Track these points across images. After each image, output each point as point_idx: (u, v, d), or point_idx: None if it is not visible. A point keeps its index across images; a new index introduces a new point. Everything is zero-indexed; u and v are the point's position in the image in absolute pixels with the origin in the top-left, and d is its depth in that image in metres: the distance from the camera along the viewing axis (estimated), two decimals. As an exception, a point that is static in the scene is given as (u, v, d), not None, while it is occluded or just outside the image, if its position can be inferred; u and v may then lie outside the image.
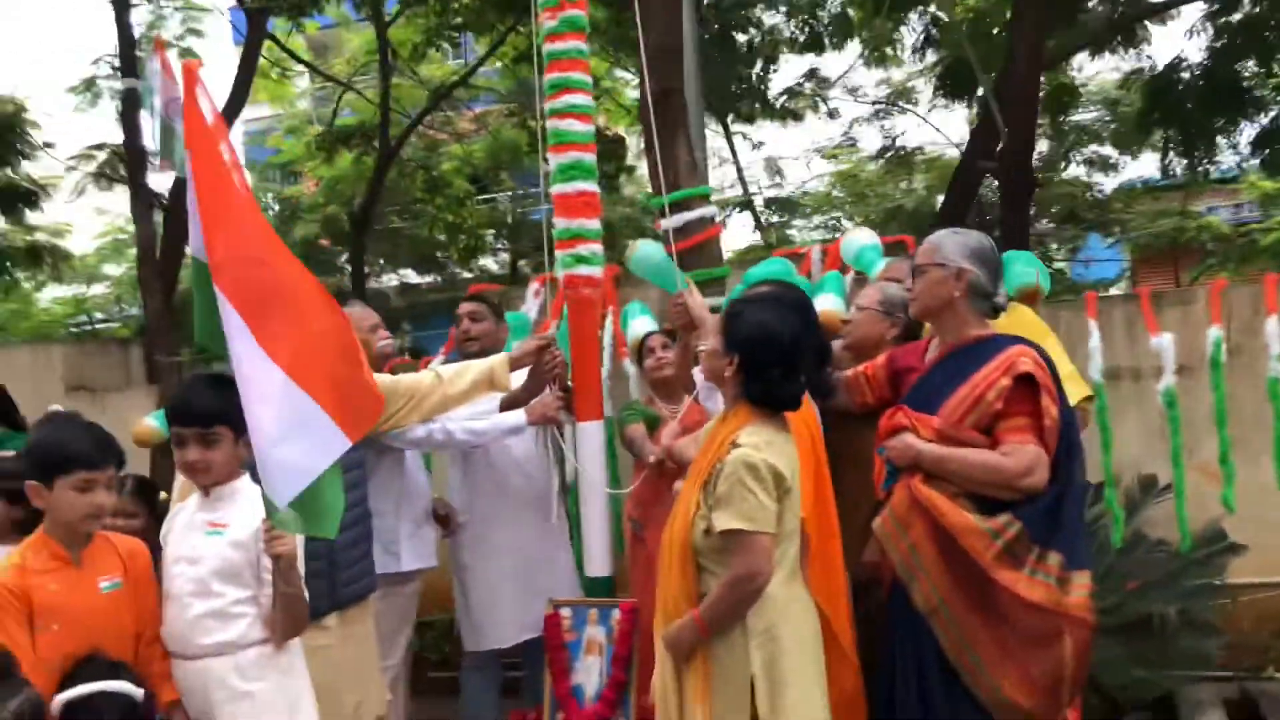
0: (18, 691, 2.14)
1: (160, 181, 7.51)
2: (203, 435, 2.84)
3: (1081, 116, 10.72)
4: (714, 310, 4.49)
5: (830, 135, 13.05)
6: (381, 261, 13.21)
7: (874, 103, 11.72)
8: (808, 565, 3.03)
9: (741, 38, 7.54)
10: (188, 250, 8.46)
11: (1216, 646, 4.18)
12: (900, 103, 11.82)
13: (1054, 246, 11.69)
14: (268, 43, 10.28)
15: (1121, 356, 4.65)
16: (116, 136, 8.20)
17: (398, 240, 12.06)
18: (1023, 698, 2.74)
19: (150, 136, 6.64)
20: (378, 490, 3.76)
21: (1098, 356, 4.26)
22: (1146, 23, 8.56)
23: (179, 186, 8.20)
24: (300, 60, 10.72)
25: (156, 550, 3.02)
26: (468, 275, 13.04)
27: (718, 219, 4.86)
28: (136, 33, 7.88)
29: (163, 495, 3.65)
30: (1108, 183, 11.89)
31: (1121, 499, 4.54)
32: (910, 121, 11.66)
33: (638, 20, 4.63)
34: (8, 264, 11.04)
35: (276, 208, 13.52)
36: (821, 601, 3.06)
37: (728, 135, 8.90)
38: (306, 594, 2.92)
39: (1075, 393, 3.34)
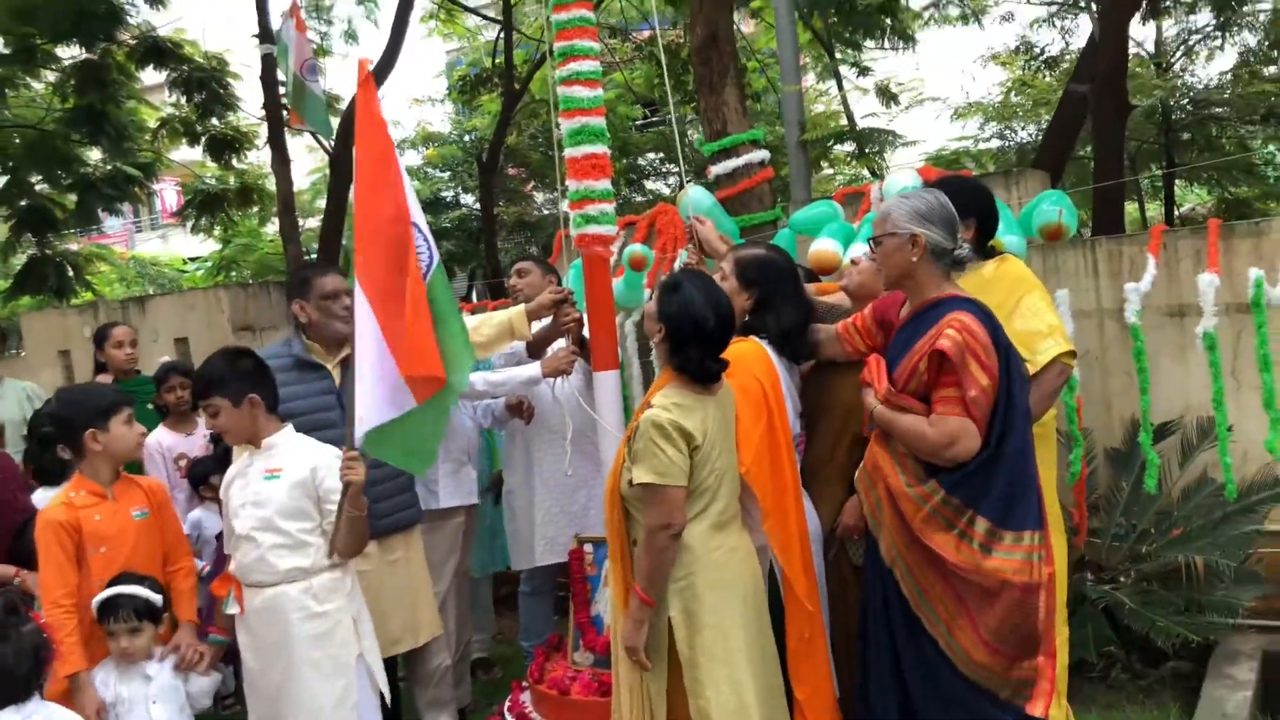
0: (25, 623, 2.66)
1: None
2: (204, 407, 3.36)
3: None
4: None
5: (993, 44, 12.39)
6: (559, 190, 13.66)
7: (1049, 3, 11.03)
8: (763, 517, 3.23)
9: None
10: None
11: (1256, 596, 4.01)
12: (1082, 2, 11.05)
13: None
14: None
15: (1191, 293, 4.42)
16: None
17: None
18: (973, 649, 2.86)
19: (286, 93, 7.20)
20: (417, 433, 4.16)
21: (1135, 299, 4.10)
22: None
23: (344, 141, 8.90)
24: (453, 1, 11.16)
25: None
26: (639, 199, 13.33)
27: (764, 161, 4.91)
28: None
29: None
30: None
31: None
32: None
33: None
34: (225, 205, 12.18)
35: (466, 139, 14.23)
36: (776, 551, 3.26)
37: (832, 60, 8.63)
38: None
39: (1054, 349, 3.30)
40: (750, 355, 3.37)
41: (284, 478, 3.29)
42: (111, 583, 3.28)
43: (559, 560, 4.34)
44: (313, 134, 8.90)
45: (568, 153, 3.97)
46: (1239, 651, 4.00)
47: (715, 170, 4.73)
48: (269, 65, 7.73)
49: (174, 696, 3.32)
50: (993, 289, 3.31)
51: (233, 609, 3.34)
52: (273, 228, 15.89)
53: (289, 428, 3.46)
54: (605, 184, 3.99)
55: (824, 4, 7.13)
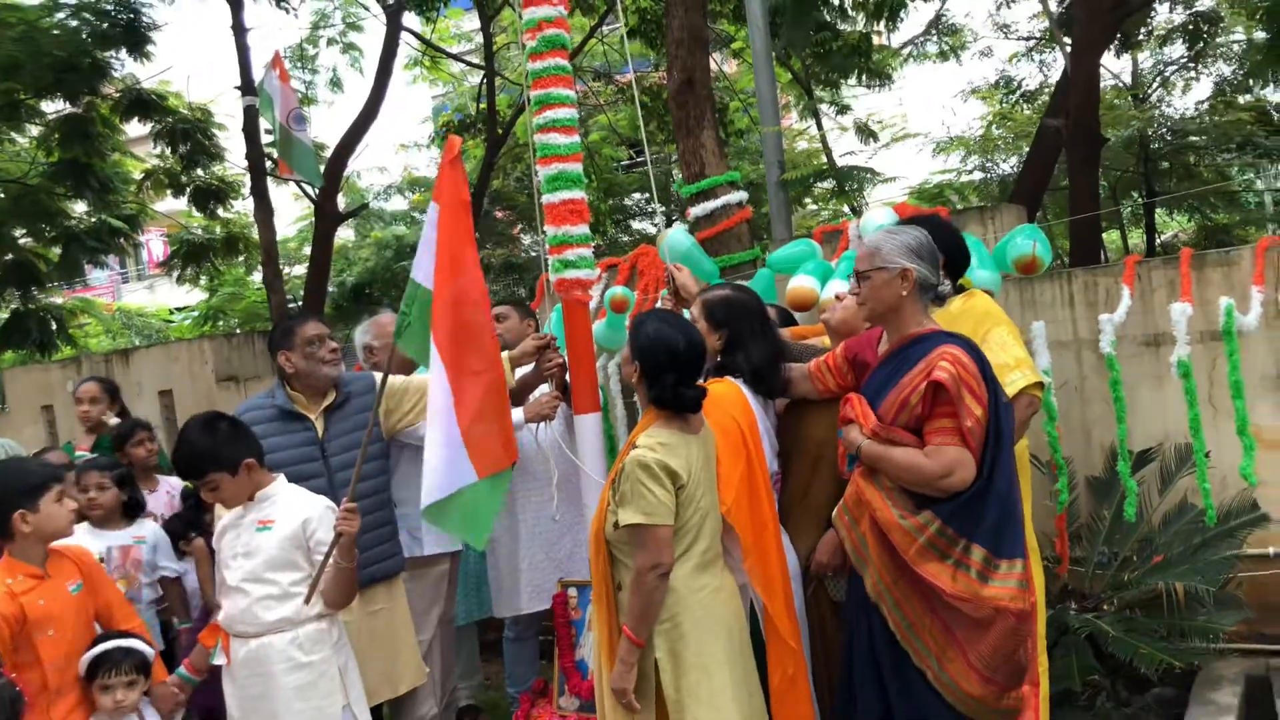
0: None
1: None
2: (203, 484, 3.32)
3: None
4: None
5: (969, 82, 12.61)
6: (540, 234, 13.79)
7: (1025, 38, 11.22)
8: (744, 556, 3.24)
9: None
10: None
11: (1237, 621, 4.03)
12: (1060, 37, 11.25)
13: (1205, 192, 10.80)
14: (430, 29, 11.02)
15: (1166, 322, 4.46)
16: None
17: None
18: (964, 680, 2.87)
19: (274, 143, 7.24)
20: (401, 481, 4.17)
21: (1110, 329, 4.14)
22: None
23: (329, 190, 8.98)
24: (436, 49, 11.29)
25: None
26: (625, 238, 13.42)
27: (743, 202, 4.98)
28: (301, 34, 8.70)
29: None
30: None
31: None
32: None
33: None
34: (211, 255, 12.23)
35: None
36: (758, 589, 3.27)
37: (810, 100, 8.75)
38: None
39: (1022, 380, 3.33)
40: (726, 396, 3.40)
41: (275, 530, 3.30)
42: (95, 642, 3.27)
43: (546, 607, 4.33)
44: (298, 182, 8.96)
45: (545, 199, 4.01)
46: (1222, 676, 4.01)
47: (694, 212, 4.79)
48: (251, 117, 7.81)
49: None
50: (959, 323, 3.34)
51: (220, 660, 3.33)
52: (259, 276, 15.94)
53: (281, 478, 3.47)
54: (583, 229, 4.03)
55: (799, 45, 7.23)
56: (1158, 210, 12.15)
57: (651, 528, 2.92)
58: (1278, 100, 10.97)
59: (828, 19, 7.65)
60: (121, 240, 11.90)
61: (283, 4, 8.70)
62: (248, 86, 7.96)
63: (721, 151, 5.08)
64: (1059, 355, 4.61)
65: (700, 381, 3.22)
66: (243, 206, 12.49)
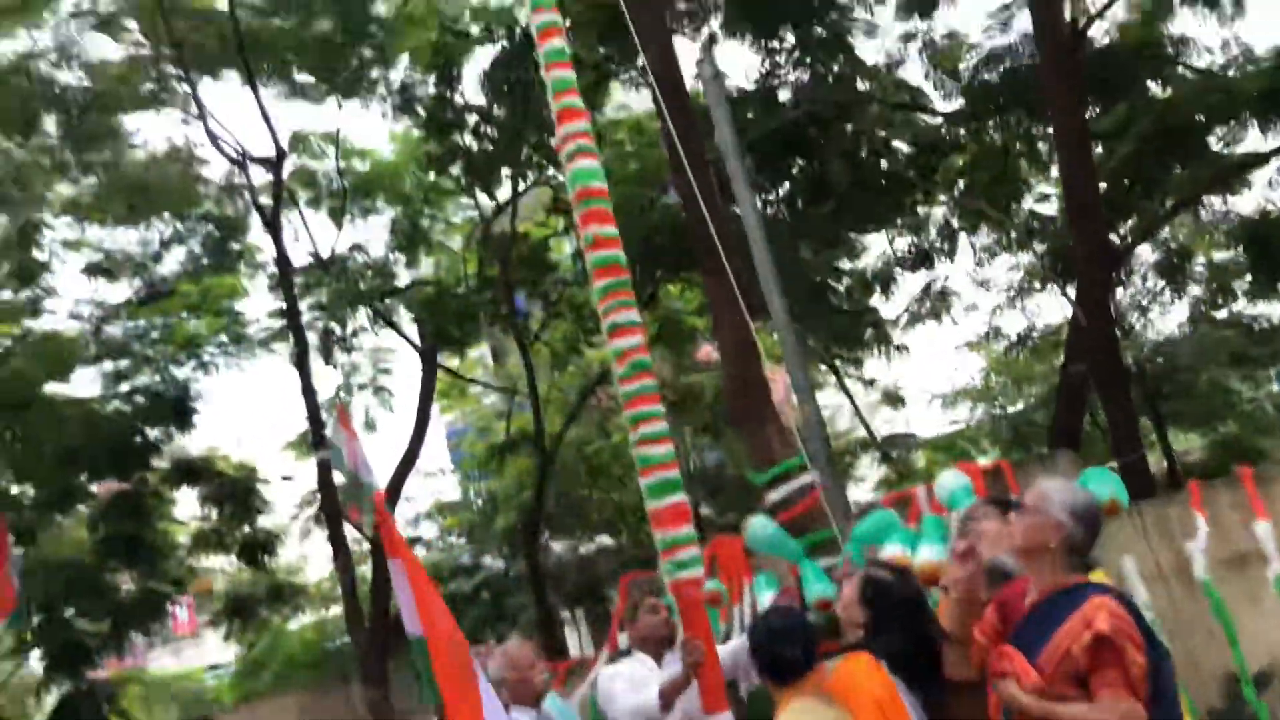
0: None
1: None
2: None
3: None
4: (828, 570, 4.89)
5: (964, 336, 13.34)
6: (578, 533, 14.00)
7: (1007, 289, 11.99)
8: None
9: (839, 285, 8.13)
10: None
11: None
12: (1036, 282, 12.04)
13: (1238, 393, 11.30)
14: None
15: (1244, 541, 4.65)
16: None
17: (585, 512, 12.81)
18: None
19: (340, 492, 7.58)
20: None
21: (1200, 556, 4.32)
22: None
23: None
24: (470, 380, 11.96)
25: None
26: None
27: (815, 483, 5.26)
28: (336, 381, 9.51)
29: None
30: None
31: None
32: (1051, 301, 11.79)
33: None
34: (259, 607, 12.33)
35: (480, 502, 14.67)
36: None
37: (839, 380, 9.33)
38: None
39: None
40: (862, 670, 3.52)
41: None
42: None
43: None
44: (358, 526, 9.27)
45: (650, 505, 4.26)
46: None
47: (771, 497, 5.06)
48: (324, 469, 8.19)
49: None
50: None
51: None
52: (294, 624, 15.91)
53: None
54: (689, 529, 4.28)
55: (818, 330, 7.78)
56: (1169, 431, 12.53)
57: None
58: (1253, 313, 11.67)
59: (834, 302, 8.27)
60: (168, 604, 12.02)
61: (331, 362, 9.33)
62: (320, 441, 8.40)
63: (785, 439, 5.41)
64: (1148, 589, 4.74)
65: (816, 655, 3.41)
66: (287, 555, 12.76)
